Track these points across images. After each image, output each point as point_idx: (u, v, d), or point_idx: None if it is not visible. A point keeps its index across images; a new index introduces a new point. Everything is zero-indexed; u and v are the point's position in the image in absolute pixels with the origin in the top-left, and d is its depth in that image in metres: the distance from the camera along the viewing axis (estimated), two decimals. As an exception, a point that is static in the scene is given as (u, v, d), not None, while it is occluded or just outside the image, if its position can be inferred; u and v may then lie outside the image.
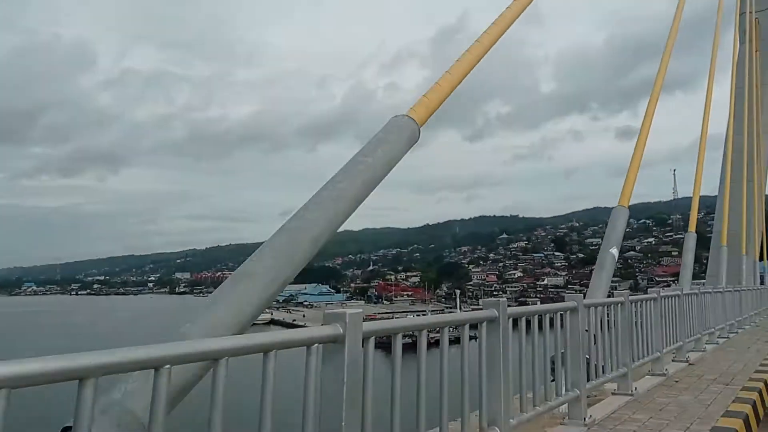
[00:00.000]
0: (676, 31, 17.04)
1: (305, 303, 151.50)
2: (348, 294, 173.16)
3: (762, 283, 31.14)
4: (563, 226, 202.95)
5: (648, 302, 8.52)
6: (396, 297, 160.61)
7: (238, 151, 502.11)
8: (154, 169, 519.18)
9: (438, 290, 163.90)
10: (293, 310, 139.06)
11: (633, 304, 7.76)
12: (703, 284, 21.19)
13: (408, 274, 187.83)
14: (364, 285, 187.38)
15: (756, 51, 37.94)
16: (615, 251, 10.14)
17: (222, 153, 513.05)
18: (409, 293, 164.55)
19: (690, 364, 9.73)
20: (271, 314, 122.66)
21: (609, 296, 8.87)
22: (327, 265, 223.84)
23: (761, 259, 33.87)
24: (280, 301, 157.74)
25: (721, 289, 14.52)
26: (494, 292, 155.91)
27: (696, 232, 17.85)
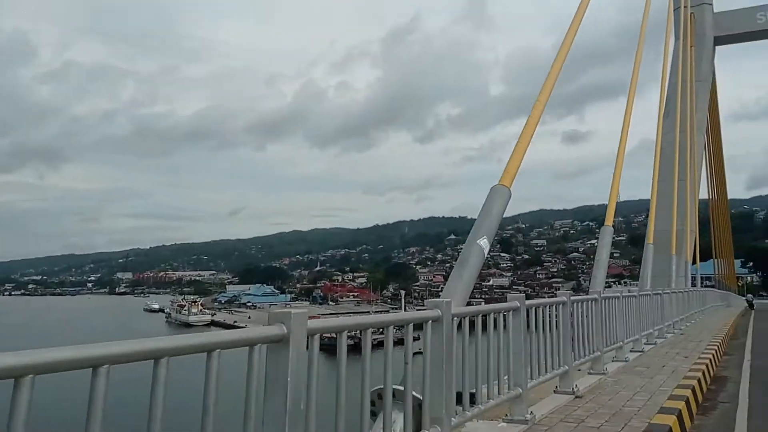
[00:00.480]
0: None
1: (248, 304, 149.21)
2: (293, 295, 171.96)
3: (695, 285, 29.50)
4: (510, 227, 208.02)
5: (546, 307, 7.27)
6: (342, 298, 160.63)
7: (184, 148, 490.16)
8: (97, 165, 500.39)
9: (385, 291, 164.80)
10: (236, 311, 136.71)
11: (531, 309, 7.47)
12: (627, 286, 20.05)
13: (355, 274, 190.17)
14: (310, 286, 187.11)
15: (691, 46, 37.64)
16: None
17: (168, 150, 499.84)
18: (355, 294, 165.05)
19: (576, 396, 7.26)
20: (213, 315, 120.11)
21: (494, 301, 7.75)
22: (274, 265, 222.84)
23: (695, 262, 32.97)
24: (222, 302, 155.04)
25: (635, 293, 12.51)
26: (440, 293, 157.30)
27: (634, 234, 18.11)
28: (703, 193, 47.92)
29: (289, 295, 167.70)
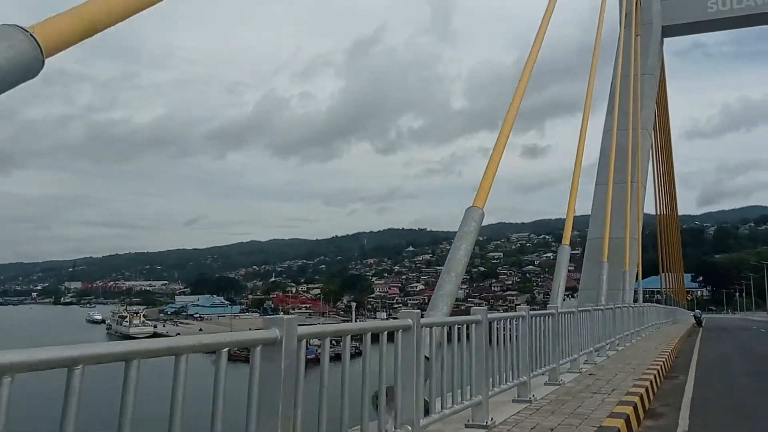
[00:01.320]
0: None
1: (196, 315, 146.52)
2: (243, 306, 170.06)
3: (636, 300, 27.12)
4: None
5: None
6: (293, 309, 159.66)
7: (142, 155, 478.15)
8: (51, 171, 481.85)
9: (339, 303, 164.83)
10: (182, 323, 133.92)
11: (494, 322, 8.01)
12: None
13: (310, 285, 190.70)
14: (261, 297, 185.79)
15: (637, 35, 35.53)
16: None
17: (125, 157, 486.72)
18: (308, 306, 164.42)
19: (533, 404, 7.55)
20: (154, 327, 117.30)
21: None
22: (228, 276, 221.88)
23: (639, 275, 31.88)
24: (169, 313, 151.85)
25: (553, 311, 10.23)
26: (395, 305, 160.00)
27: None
28: (650, 207, 47.98)
29: (239, 307, 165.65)
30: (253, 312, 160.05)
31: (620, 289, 25.24)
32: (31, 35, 3.69)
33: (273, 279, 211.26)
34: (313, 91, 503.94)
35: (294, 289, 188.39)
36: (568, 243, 15.89)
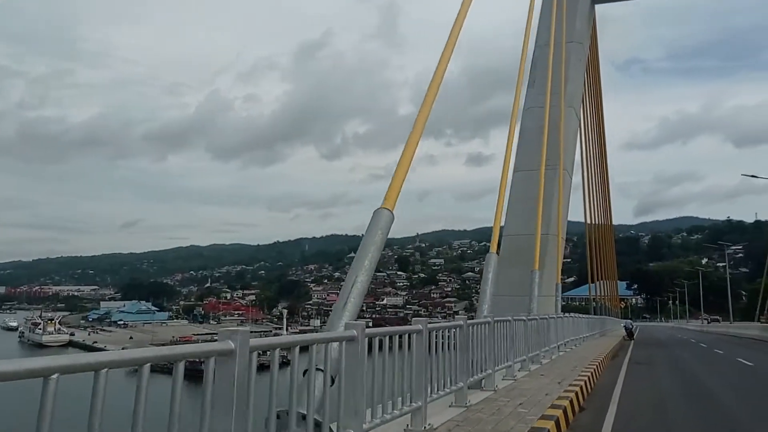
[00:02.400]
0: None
1: (119, 322, 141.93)
2: (171, 313, 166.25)
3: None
4: (410, 246, 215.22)
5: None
6: (225, 316, 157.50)
7: (77, 155, 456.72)
8: None
9: (274, 309, 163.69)
10: (104, 330, 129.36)
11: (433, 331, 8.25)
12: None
13: (245, 292, 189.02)
14: (192, 303, 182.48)
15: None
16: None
17: (59, 157, 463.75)
18: (241, 312, 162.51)
19: (469, 409, 7.90)
20: (71, 335, 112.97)
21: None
22: (162, 281, 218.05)
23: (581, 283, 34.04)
24: (91, 320, 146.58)
25: (523, 317, 13.15)
26: (331, 312, 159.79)
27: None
28: (579, 215, 48.50)
29: (166, 313, 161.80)
30: (182, 319, 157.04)
31: (526, 295, 19.68)
32: None
33: (208, 285, 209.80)
34: (258, 94, 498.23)
35: (229, 295, 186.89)
36: (495, 251, 15.17)
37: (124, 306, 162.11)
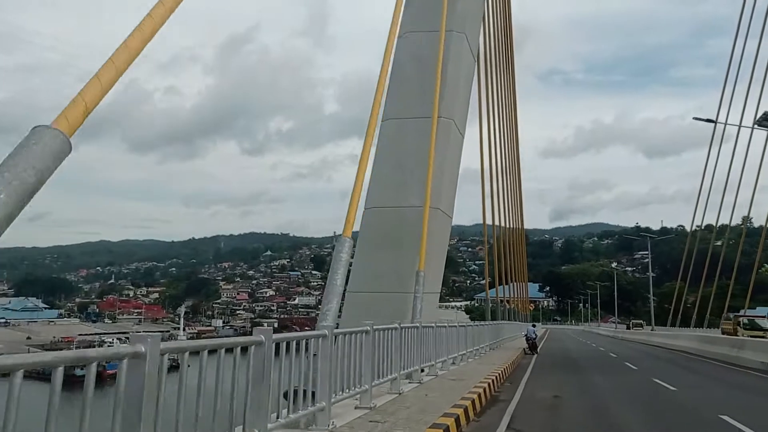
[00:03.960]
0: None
1: (0, 321, 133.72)
2: (63, 311, 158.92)
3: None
4: (328, 246, 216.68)
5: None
6: (123, 315, 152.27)
7: None
8: None
9: (180, 308, 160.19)
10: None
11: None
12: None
13: (150, 289, 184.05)
14: (87, 301, 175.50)
15: None
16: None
17: None
18: (141, 311, 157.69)
19: (374, 410, 8.88)
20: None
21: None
22: (63, 277, 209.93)
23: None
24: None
25: (433, 324, 14.07)
26: (240, 311, 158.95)
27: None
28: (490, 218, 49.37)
29: (56, 311, 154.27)
30: (75, 317, 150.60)
31: (399, 291, 17.77)
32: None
33: (111, 281, 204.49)
34: (178, 86, 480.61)
35: (132, 293, 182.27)
36: (350, 235, 11.33)
37: (9, 303, 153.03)
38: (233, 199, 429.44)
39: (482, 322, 27.39)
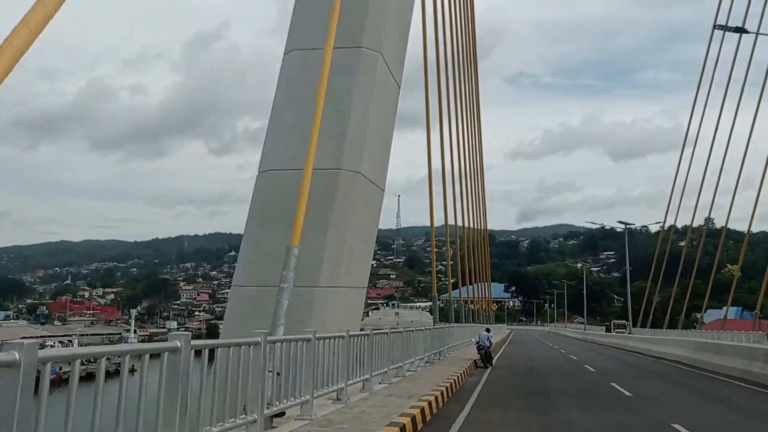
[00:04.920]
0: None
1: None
2: (7, 313, 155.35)
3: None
4: None
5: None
6: (74, 317, 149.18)
7: None
8: None
9: (136, 309, 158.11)
10: None
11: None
12: None
13: (107, 290, 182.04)
14: (37, 303, 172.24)
15: None
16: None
17: None
18: (95, 312, 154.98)
19: (315, 421, 8.58)
20: None
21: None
22: (16, 278, 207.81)
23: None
24: None
25: (386, 330, 14.06)
26: (200, 311, 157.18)
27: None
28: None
29: (4, 313, 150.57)
30: (23, 319, 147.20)
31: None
32: None
33: (67, 282, 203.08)
34: (144, 84, 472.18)
35: (87, 294, 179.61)
36: (296, 243, 10.51)
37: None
38: (200, 199, 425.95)
39: (417, 327, 20.44)
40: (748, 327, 49.93)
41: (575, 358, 33.28)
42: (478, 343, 23.76)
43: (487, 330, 24.93)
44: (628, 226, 63.09)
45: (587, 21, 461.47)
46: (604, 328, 78.38)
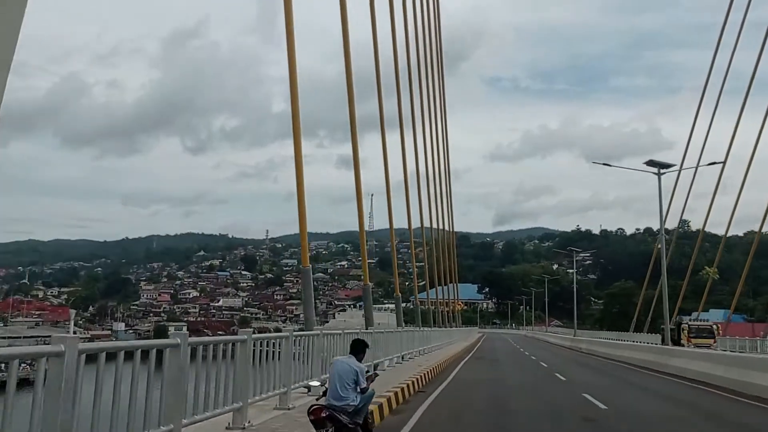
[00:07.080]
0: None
1: None
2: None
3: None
4: (264, 247, 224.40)
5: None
6: (20, 317, 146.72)
7: None
8: None
9: (83, 310, 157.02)
10: None
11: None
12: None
13: (62, 290, 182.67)
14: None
15: None
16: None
17: None
18: (44, 312, 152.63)
19: (287, 411, 9.65)
20: None
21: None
22: None
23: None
24: None
25: (358, 329, 15.63)
26: (162, 312, 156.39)
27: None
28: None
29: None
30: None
31: None
32: None
33: (24, 281, 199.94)
34: (119, 79, 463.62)
35: (42, 294, 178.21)
36: (307, 265, 14.20)
37: None
38: (174, 198, 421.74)
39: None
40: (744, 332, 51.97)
41: (605, 407, 14.97)
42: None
43: (359, 348, 8.58)
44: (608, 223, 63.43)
45: (562, 27, 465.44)
46: (660, 336, 42.55)
